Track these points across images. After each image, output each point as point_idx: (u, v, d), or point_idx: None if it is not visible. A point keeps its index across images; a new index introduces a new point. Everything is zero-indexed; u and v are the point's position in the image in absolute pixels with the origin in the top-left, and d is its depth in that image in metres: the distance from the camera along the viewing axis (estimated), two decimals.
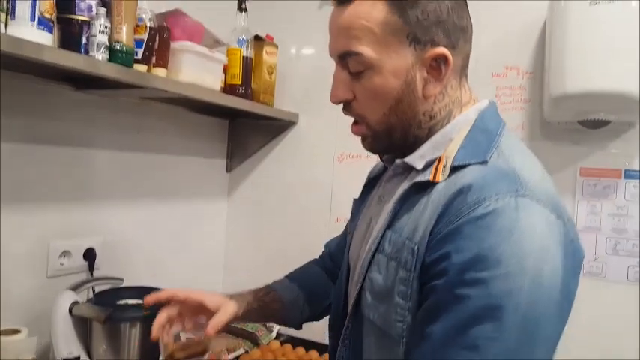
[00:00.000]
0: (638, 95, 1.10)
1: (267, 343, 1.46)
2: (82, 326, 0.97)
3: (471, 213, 0.56)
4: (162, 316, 0.81)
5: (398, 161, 0.70)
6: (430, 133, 0.67)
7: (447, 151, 0.64)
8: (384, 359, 0.64)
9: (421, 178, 0.64)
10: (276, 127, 1.73)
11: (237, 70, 1.41)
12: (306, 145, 1.70)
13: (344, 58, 0.66)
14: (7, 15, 0.85)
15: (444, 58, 0.64)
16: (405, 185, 0.67)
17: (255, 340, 1.47)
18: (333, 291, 0.86)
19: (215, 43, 1.33)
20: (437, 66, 0.64)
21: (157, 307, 0.94)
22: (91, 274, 1.17)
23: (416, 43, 0.63)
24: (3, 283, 1.05)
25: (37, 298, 1.10)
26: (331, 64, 1.80)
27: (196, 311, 0.83)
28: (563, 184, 1.30)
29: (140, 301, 1.00)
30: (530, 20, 1.34)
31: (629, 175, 1.26)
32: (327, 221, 1.64)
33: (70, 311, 0.96)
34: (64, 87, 1.15)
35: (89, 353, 0.94)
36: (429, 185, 0.63)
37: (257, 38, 1.49)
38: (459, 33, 0.65)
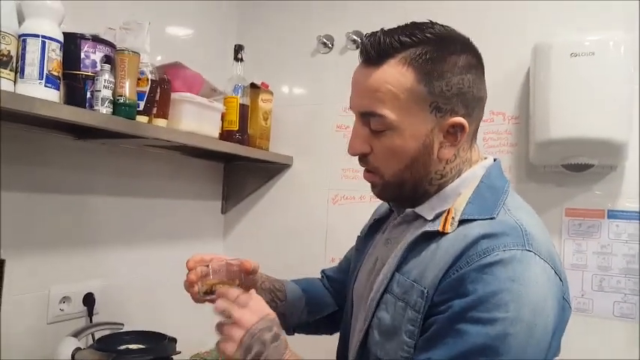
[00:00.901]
0: (618, 141, 1.18)
1: None
2: None
3: (479, 261, 0.62)
4: (191, 274, 0.83)
5: (409, 210, 0.75)
6: (439, 188, 0.73)
7: (455, 204, 0.70)
8: None
9: (430, 227, 0.70)
10: (270, 170, 1.78)
11: (234, 116, 1.47)
12: (301, 187, 1.75)
13: (366, 116, 0.71)
14: (16, 74, 0.91)
15: (460, 127, 0.69)
16: (414, 233, 0.72)
17: None
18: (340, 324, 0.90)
19: (212, 91, 1.39)
20: (453, 132, 0.70)
21: (159, 356, 0.96)
22: (90, 319, 1.19)
23: (437, 111, 0.69)
24: (3, 330, 1.07)
25: (37, 344, 1.11)
26: (323, 109, 1.89)
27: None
28: (549, 224, 1.32)
29: (141, 346, 1.01)
30: (514, 67, 1.42)
31: (612, 215, 1.31)
32: (322, 261, 1.67)
33: (73, 357, 0.98)
34: (66, 137, 1.20)
35: None
36: (437, 235, 0.68)
37: (253, 86, 1.56)
38: (475, 103, 0.71)
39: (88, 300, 1.23)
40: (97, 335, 1.11)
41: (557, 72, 1.22)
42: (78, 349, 1.00)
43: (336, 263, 1.66)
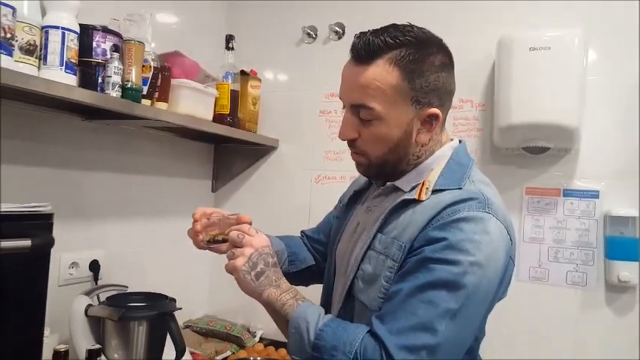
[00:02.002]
0: (570, 126, 1.36)
1: (252, 346, 1.65)
2: (95, 326, 1.14)
3: (448, 218, 0.79)
4: (197, 225, 1.02)
5: (389, 184, 0.92)
6: (414, 167, 0.90)
7: (429, 177, 0.87)
8: None
9: (408, 196, 0.86)
10: (258, 152, 1.95)
11: (226, 101, 1.62)
12: (286, 168, 1.92)
13: (356, 107, 0.85)
14: (39, 60, 1.06)
15: (435, 116, 0.85)
16: (394, 201, 0.88)
17: (240, 344, 1.66)
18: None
19: (206, 78, 1.55)
20: (429, 121, 0.86)
21: (163, 311, 1.13)
22: (96, 282, 1.35)
23: (417, 104, 0.84)
24: None
25: (50, 304, 1.26)
26: (307, 96, 2.05)
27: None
28: (511, 202, 1.54)
29: (145, 304, 1.18)
30: (482, 59, 1.60)
31: (567, 193, 1.51)
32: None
33: (86, 312, 1.14)
34: (75, 118, 1.35)
35: (103, 349, 1.12)
36: (413, 202, 0.85)
37: (243, 73, 1.72)
38: (447, 95, 0.88)
39: (94, 266, 1.39)
40: (103, 297, 1.27)
41: (517, 64, 1.40)
42: (90, 305, 1.16)
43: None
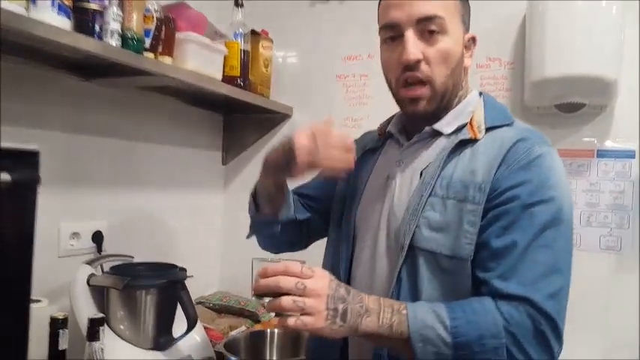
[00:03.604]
0: (609, 79, 1.23)
1: (269, 320, 1.53)
2: (99, 297, 1.03)
3: (526, 158, 0.76)
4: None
5: (428, 128, 0.85)
6: (455, 103, 0.86)
7: (474, 117, 0.83)
8: (443, 279, 0.77)
9: (464, 136, 0.81)
10: (270, 121, 1.81)
11: (236, 62, 1.49)
12: None
13: (424, 21, 0.79)
14: (28, 1, 0.92)
15: (474, 40, 0.87)
16: (436, 147, 0.83)
17: (256, 319, 1.55)
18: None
19: (215, 34, 1.41)
20: (469, 45, 0.86)
21: (173, 279, 1.01)
22: (99, 254, 1.23)
23: (463, 24, 0.84)
24: None
25: (49, 276, 1.15)
26: (323, 59, 1.89)
27: None
28: None
29: (153, 273, 1.06)
30: (509, 16, 1.46)
31: (601, 154, 1.38)
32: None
33: (88, 282, 1.02)
34: (73, 77, 1.22)
35: (107, 320, 1.00)
36: (469, 142, 0.81)
37: (253, 32, 1.58)
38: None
39: (97, 237, 1.27)
40: (107, 267, 1.15)
41: (553, 15, 1.26)
42: (92, 274, 1.04)
43: None
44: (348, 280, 0.88)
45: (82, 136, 1.29)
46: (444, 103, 0.84)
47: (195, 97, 1.59)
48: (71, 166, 1.26)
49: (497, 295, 0.71)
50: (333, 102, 1.71)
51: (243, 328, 1.46)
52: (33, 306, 0.92)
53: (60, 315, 0.76)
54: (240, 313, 1.58)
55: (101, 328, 0.82)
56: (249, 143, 1.86)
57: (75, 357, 0.93)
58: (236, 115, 1.84)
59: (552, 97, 1.31)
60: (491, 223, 0.75)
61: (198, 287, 1.69)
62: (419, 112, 0.83)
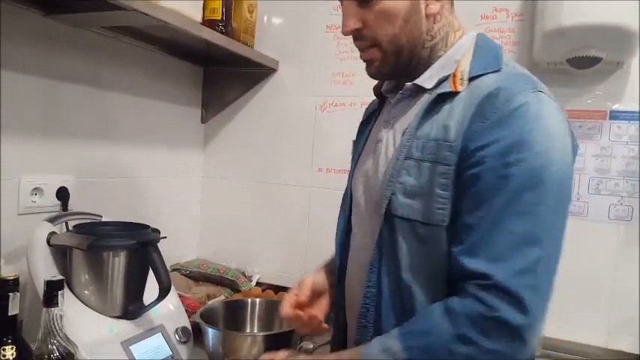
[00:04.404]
0: (631, 29, 1.14)
1: (249, 290, 1.47)
2: (60, 258, 0.94)
3: (505, 108, 0.67)
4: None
5: (408, 85, 0.79)
6: (431, 53, 0.78)
7: (460, 66, 0.75)
8: (420, 249, 0.73)
9: (442, 90, 0.74)
10: (254, 76, 1.71)
11: (217, 4, 1.37)
12: (287, 94, 1.68)
13: None
14: None
15: None
16: (420, 103, 0.77)
17: (235, 288, 1.49)
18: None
19: None
20: None
21: (143, 240, 0.93)
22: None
23: None
24: None
25: (8, 235, 1.06)
26: (311, 8, 1.79)
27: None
28: None
29: (122, 232, 0.98)
30: None
31: (614, 115, 1.31)
32: (309, 172, 1.64)
33: (48, 242, 0.93)
34: (34, 11, 1.10)
35: (69, 285, 0.92)
36: (449, 96, 0.73)
37: None
38: None
39: (62, 194, 1.18)
40: (72, 226, 1.06)
41: None
42: (53, 232, 0.95)
43: (322, 174, 1.66)
44: (344, 254, 0.87)
45: (47, 80, 1.18)
46: (403, 60, 0.77)
47: (173, 45, 1.48)
48: (34, 113, 1.16)
49: (462, 273, 0.66)
50: (323, 55, 1.61)
51: (222, 297, 1.40)
52: None
53: (10, 275, 0.67)
54: (219, 281, 1.51)
55: (60, 292, 0.74)
56: (230, 100, 1.76)
57: (34, 326, 0.86)
58: (216, 69, 1.73)
59: (565, 50, 1.23)
60: (463, 189, 0.69)
61: (174, 253, 1.61)
62: (373, 74, 0.82)
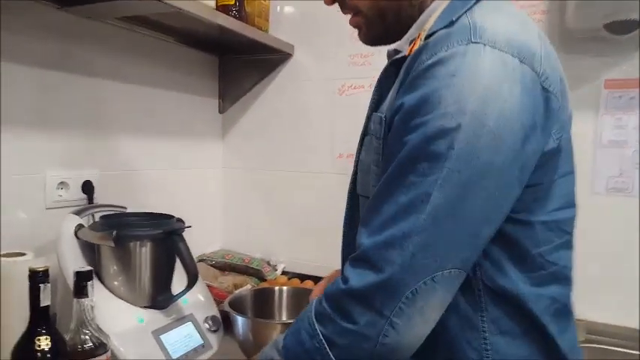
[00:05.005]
0: None
1: (275, 279, 1.48)
2: (89, 250, 0.95)
3: (420, 67, 0.59)
4: None
5: (389, 51, 0.74)
6: (420, 11, 0.70)
7: (427, 25, 0.66)
8: None
9: (399, 55, 0.68)
10: (269, 62, 1.70)
11: None
12: (303, 80, 1.67)
13: None
14: None
15: None
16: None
17: (261, 277, 1.49)
18: None
19: None
20: None
21: (168, 230, 0.94)
22: None
23: None
24: (5, 212, 1.05)
25: (37, 229, 1.09)
26: None
27: None
28: (586, 100, 1.29)
29: (148, 223, 0.99)
30: None
31: None
32: (329, 158, 1.63)
33: (76, 234, 0.95)
34: (47, 3, 1.11)
35: (98, 276, 0.94)
36: (405, 60, 0.65)
37: None
38: None
39: (87, 187, 1.20)
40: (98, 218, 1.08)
41: None
42: (80, 225, 0.97)
43: (343, 159, 1.65)
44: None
45: (66, 74, 1.19)
46: (390, 22, 0.72)
47: (187, 35, 1.49)
48: (58, 109, 1.17)
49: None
50: (339, 37, 1.58)
51: (249, 286, 1.41)
52: (16, 260, 0.86)
53: (40, 267, 0.68)
54: (244, 271, 1.52)
55: (89, 282, 0.75)
56: (246, 89, 1.75)
57: (67, 318, 0.87)
58: (232, 57, 1.73)
59: (602, 14, 1.16)
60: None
61: (199, 244, 1.63)
62: (364, 40, 0.79)
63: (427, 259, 0.55)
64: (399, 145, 0.59)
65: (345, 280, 0.59)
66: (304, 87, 1.67)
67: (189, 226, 1.00)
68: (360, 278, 0.57)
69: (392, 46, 0.73)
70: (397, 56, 0.68)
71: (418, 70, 0.59)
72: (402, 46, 0.69)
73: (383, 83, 0.72)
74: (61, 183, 1.17)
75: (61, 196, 1.16)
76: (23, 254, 0.90)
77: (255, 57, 1.68)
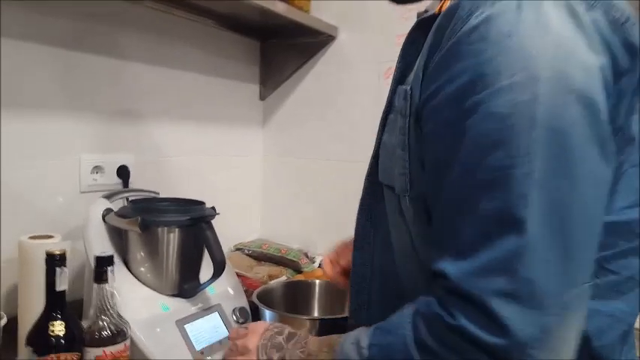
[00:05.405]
0: None
1: (311, 271, 1.44)
2: (116, 235, 0.94)
3: (462, 29, 0.48)
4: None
5: (419, 11, 0.66)
6: None
7: None
8: (409, 229, 0.61)
9: (427, 14, 0.59)
10: (311, 46, 1.65)
11: None
12: (347, 63, 1.61)
13: None
14: None
15: None
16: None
17: (297, 268, 1.46)
18: None
19: None
20: None
21: (198, 216, 0.91)
22: None
23: None
24: (38, 195, 1.06)
25: (70, 212, 1.10)
26: None
27: None
28: None
29: (176, 208, 0.97)
30: None
31: None
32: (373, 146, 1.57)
33: (104, 218, 0.94)
34: None
35: (125, 262, 0.93)
36: (434, 21, 0.55)
37: None
38: None
39: (123, 172, 1.20)
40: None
41: None
42: (109, 209, 0.96)
43: None
44: None
45: (105, 58, 1.20)
46: None
47: (228, 18, 1.47)
48: (94, 92, 1.18)
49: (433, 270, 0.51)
50: (385, 16, 1.50)
51: (284, 278, 1.37)
52: (36, 242, 0.86)
53: (56, 250, 0.67)
54: (280, 261, 1.49)
55: (109, 268, 0.74)
56: (288, 74, 1.71)
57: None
58: (273, 42, 1.70)
59: None
60: (425, 149, 0.54)
61: (237, 233, 1.62)
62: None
63: (555, 280, 0.44)
64: (451, 137, 0.48)
65: (450, 314, 0.47)
66: (347, 71, 1.61)
67: (218, 214, 0.97)
68: (472, 326, 0.45)
69: (422, 5, 0.65)
70: (424, 15, 0.59)
71: (458, 33, 0.49)
72: (433, 4, 0.61)
73: (408, 50, 0.63)
74: (96, 167, 1.17)
75: (95, 180, 1.17)
76: (51, 237, 0.90)
77: (297, 40, 1.64)
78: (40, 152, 1.07)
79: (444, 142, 0.50)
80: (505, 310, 0.44)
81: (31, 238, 0.88)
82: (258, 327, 0.71)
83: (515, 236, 0.44)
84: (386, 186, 0.64)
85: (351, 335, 0.59)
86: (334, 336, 0.63)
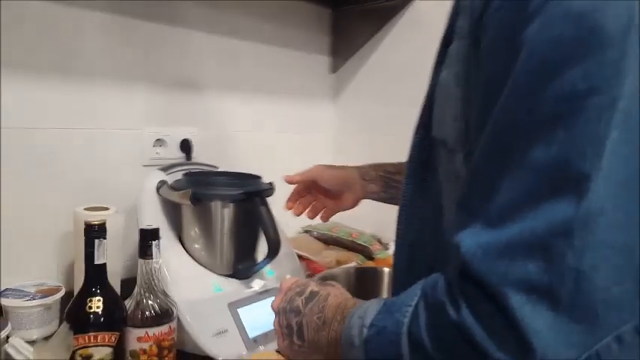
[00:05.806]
0: None
1: (384, 258, 1.33)
2: (172, 210, 0.90)
3: None
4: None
5: None
6: None
7: None
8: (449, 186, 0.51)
9: None
10: (387, 11, 1.52)
11: None
12: (426, 29, 1.45)
13: None
14: None
15: None
16: None
17: (368, 254, 1.36)
18: None
19: None
20: None
21: (252, 191, 0.85)
22: None
23: None
24: (101, 165, 1.06)
25: (132, 185, 1.07)
26: None
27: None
28: None
29: (231, 182, 0.90)
30: None
31: None
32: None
33: (158, 191, 0.90)
34: None
35: (180, 238, 0.88)
36: None
37: None
38: None
39: (185, 146, 1.17)
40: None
41: None
42: (164, 182, 0.91)
43: None
44: None
45: (169, 27, 1.16)
46: None
47: None
48: (156, 63, 1.15)
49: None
50: None
51: (354, 264, 1.28)
52: (95, 213, 0.83)
53: (95, 220, 0.62)
54: (350, 246, 1.40)
55: (154, 242, 0.68)
56: (361, 43, 1.60)
57: None
58: (344, 9, 1.59)
59: None
60: (476, 79, 0.42)
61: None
62: None
63: (610, 285, 0.32)
64: (505, 53, 0.37)
65: (457, 308, 0.37)
66: (426, 37, 1.43)
67: (274, 189, 0.89)
68: (481, 332, 0.35)
69: None
70: None
71: None
72: None
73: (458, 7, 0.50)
74: (158, 140, 1.15)
75: (158, 153, 1.14)
76: (106, 209, 0.87)
77: (371, 5, 1.52)
78: (102, 123, 1.06)
79: (495, 61, 0.38)
80: (529, 315, 0.31)
81: (87, 209, 0.86)
82: (284, 284, 0.65)
83: (569, 202, 0.31)
84: (440, 142, 0.51)
85: (363, 307, 0.51)
86: (350, 302, 0.56)
